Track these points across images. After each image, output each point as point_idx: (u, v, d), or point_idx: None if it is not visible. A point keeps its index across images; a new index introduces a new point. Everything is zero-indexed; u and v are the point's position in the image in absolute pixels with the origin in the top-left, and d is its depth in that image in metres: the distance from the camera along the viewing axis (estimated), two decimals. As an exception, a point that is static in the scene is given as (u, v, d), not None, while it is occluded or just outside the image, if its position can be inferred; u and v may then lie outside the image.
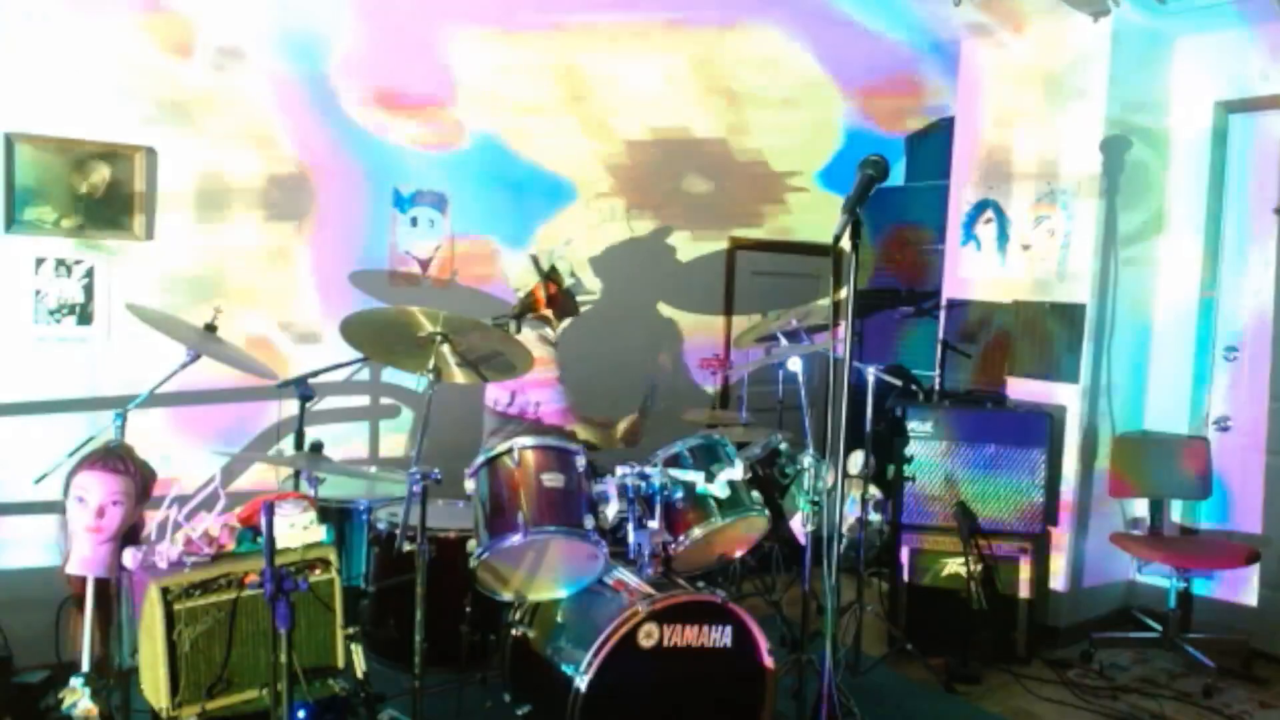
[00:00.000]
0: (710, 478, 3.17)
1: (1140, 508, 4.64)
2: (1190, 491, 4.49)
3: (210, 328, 3.31)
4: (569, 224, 5.01)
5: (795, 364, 3.78)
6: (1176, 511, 4.67)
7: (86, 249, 3.72)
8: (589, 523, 2.95)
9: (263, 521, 2.49)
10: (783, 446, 3.80)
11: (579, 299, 4.09)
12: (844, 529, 2.96)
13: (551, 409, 3.81)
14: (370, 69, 4.15)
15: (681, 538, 3.16)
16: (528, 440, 3.07)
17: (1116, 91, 4.42)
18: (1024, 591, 4.23)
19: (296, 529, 2.73)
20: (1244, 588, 4.48)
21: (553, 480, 2.98)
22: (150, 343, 3.40)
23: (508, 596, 3.07)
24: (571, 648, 2.85)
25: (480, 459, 3.07)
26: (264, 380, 3.45)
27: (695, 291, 5.62)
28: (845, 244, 2.47)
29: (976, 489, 4.27)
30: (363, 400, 4.49)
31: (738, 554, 3.54)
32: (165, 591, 2.54)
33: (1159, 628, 4.37)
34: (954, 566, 4.22)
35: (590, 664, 2.71)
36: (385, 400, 4.53)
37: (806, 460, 3.37)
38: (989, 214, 4.79)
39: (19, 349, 3.62)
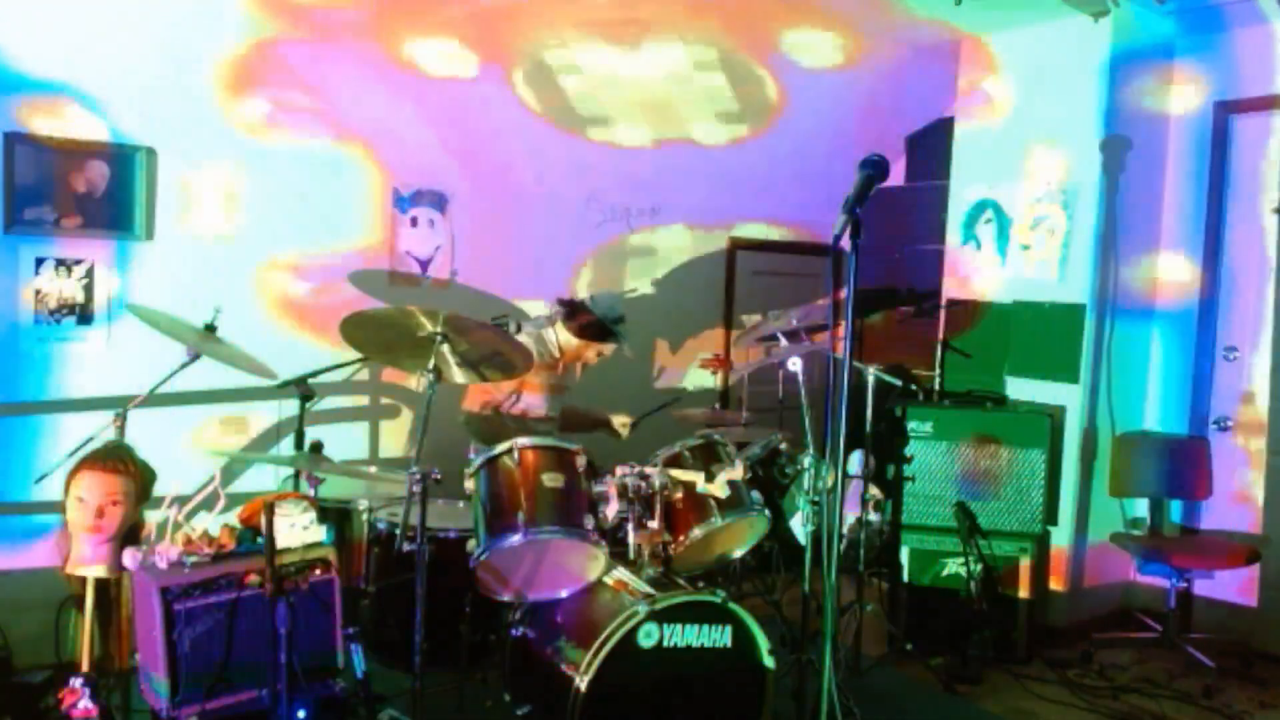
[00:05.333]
0: (710, 478, 3.17)
1: (1140, 508, 4.64)
2: (1190, 491, 4.49)
3: (210, 328, 3.31)
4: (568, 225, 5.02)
5: (795, 364, 3.78)
6: (1176, 511, 4.68)
7: (86, 249, 3.72)
8: (589, 523, 2.95)
9: (263, 521, 2.50)
10: (783, 446, 3.80)
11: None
12: (844, 529, 2.95)
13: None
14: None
15: (681, 538, 3.16)
16: (527, 440, 3.07)
17: (1116, 92, 4.42)
18: (1024, 591, 4.22)
19: (296, 529, 2.74)
20: (1244, 588, 4.47)
21: (553, 480, 2.98)
22: (150, 343, 3.39)
23: (508, 596, 3.06)
24: (571, 648, 2.85)
25: (480, 459, 3.07)
26: (264, 380, 3.45)
27: (695, 291, 5.62)
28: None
29: (976, 489, 4.27)
30: (363, 400, 4.49)
31: (738, 554, 3.54)
32: (165, 591, 2.54)
33: (1159, 628, 4.36)
34: (954, 566, 4.22)
35: (590, 664, 2.71)
36: (385, 400, 4.53)
37: (806, 460, 3.36)
38: (989, 214, 4.79)
39: (19, 349, 3.62)
